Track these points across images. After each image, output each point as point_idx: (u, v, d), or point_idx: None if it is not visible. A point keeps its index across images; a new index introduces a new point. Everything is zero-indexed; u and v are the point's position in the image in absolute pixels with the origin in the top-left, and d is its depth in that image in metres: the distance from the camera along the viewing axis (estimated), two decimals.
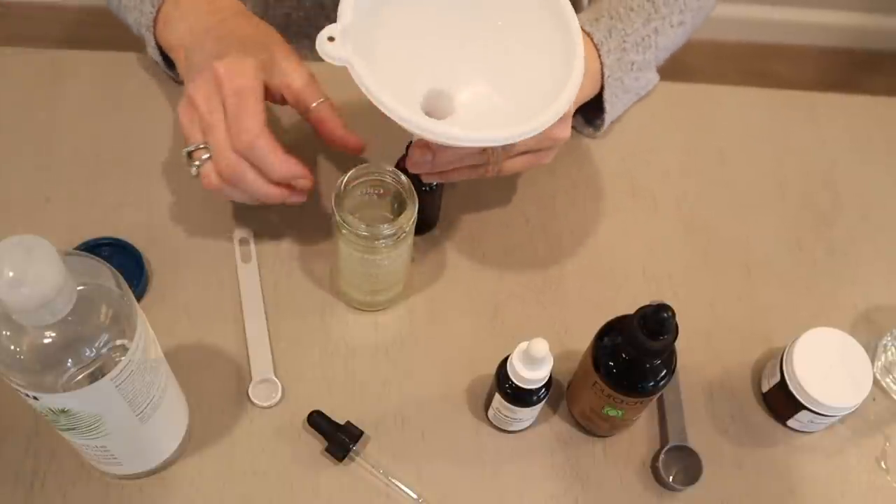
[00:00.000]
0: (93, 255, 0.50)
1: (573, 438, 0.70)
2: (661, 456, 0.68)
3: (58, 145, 0.79)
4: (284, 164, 0.64)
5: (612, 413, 0.65)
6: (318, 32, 0.58)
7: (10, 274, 0.42)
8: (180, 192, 0.77)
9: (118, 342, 0.49)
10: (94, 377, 0.49)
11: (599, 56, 0.76)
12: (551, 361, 0.62)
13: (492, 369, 0.66)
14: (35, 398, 0.49)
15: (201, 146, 0.65)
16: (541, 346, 0.60)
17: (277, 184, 0.66)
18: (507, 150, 0.67)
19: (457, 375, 0.71)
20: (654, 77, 0.85)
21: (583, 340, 0.66)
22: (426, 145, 0.64)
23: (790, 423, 0.71)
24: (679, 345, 0.61)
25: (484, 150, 0.66)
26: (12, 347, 0.46)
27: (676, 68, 0.90)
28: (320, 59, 0.58)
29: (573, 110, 0.72)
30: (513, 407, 0.65)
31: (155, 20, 0.73)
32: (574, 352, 0.70)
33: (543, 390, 0.64)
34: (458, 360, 0.72)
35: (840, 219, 0.83)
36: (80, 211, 0.75)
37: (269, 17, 0.89)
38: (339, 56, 0.57)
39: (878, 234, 0.83)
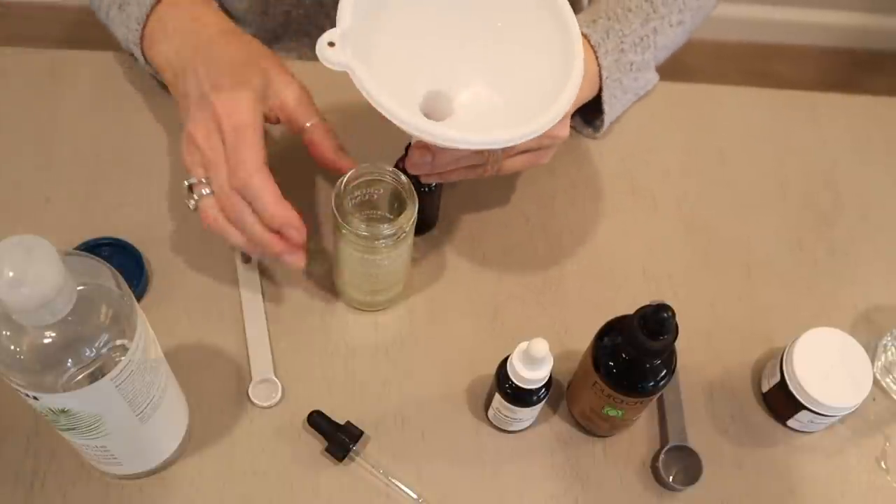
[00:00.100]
0: (93, 255, 0.50)
1: (573, 438, 0.70)
2: (661, 456, 0.68)
3: (58, 145, 0.79)
4: (278, 206, 0.62)
5: (612, 413, 0.65)
6: (317, 30, 0.58)
7: (10, 274, 0.42)
8: (180, 193, 0.77)
9: (118, 342, 0.49)
10: (94, 377, 0.49)
11: (597, 58, 0.76)
12: (551, 361, 0.62)
13: (492, 369, 0.66)
14: (35, 398, 0.49)
15: (202, 180, 0.65)
16: (541, 346, 0.60)
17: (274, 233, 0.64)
18: (507, 150, 0.67)
19: (457, 375, 0.71)
20: (653, 77, 0.85)
21: (583, 340, 0.66)
22: (425, 147, 0.64)
23: (790, 423, 0.71)
24: (679, 345, 0.61)
25: (483, 150, 0.66)
26: (12, 347, 0.46)
27: (677, 68, 0.90)
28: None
29: (572, 111, 0.72)
30: (513, 407, 0.65)
31: (141, 37, 0.73)
32: (574, 352, 0.70)
33: (543, 390, 0.64)
34: (458, 360, 0.72)
35: (840, 219, 0.83)
36: (80, 211, 0.75)
37: (269, 16, 0.89)
38: (340, 61, 0.57)
39: (878, 234, 0.83)
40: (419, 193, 0.70)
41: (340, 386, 0.70)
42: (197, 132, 0.64)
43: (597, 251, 0.79)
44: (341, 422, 0.67)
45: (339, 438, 0.66)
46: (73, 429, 0.53)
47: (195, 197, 0.65)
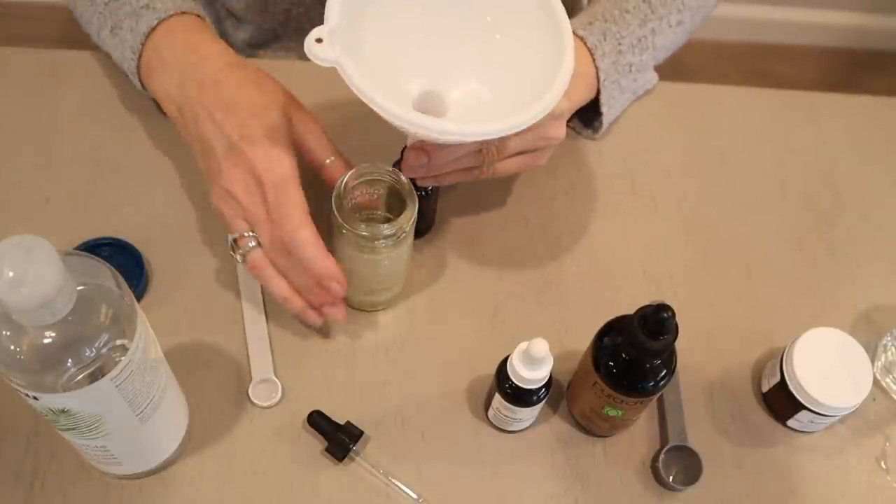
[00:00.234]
0: (93, 255, 0.50)
1: (573, 438, 0.70)
2: (661, 456, 0.68)
3: (58, 145, 0.79)
4: (323, 260, 0.63)
5: (612, 413, 0.65)
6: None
7: (10, 274, 0.42)
8: (180, 193, 0.77)
9: (118, 342, 0.49)
10: (94, 377, 0.49)
11: (594, 60, 0.76)
12: (551, 361, 0.62)
13: (492, 369, 0.66)
14: (35, 398, 0.49)
15: (245, 234, 0.65)
16: (541, 346, 0.60)
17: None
18: (502, 151, 0.67)
19: (457, 375, 0.71)
20: (652, 77, 0.85)
21: (583, 340, 0.66)
22: (421, 148, 0.64)
23: (790, 423, 0.71)
24: (679, 345, 0.61)
25: (479, 151, 0.66)
26: (12, 347, 0.46)
27: (677, 68, 0.90)
28: None
29: (569, 113, 0.72)
30: (513, 407, 0.65)
31: (138, 66, 0.71)
32: (574, 352, 0.70)
33: (543, 390, 0.64)
34: (458, 360, 0.72)
35: (840, 219, 0.83)
36: (80, 211, 0.75)
37: (269, 14, 0.89)
38: (328, 57, 0.57)
39: (878, 234, 0.83)
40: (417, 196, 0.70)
41: (340, 386, 0.70)
42: (235, 188, 0.63)
43: (597, 251, 0.79)
44: (341, 422, 0.67)
45: (339, 438, 0.66)
46: (73, 429, 0.54)
47: (242, 250, 0.65)
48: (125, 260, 0.71)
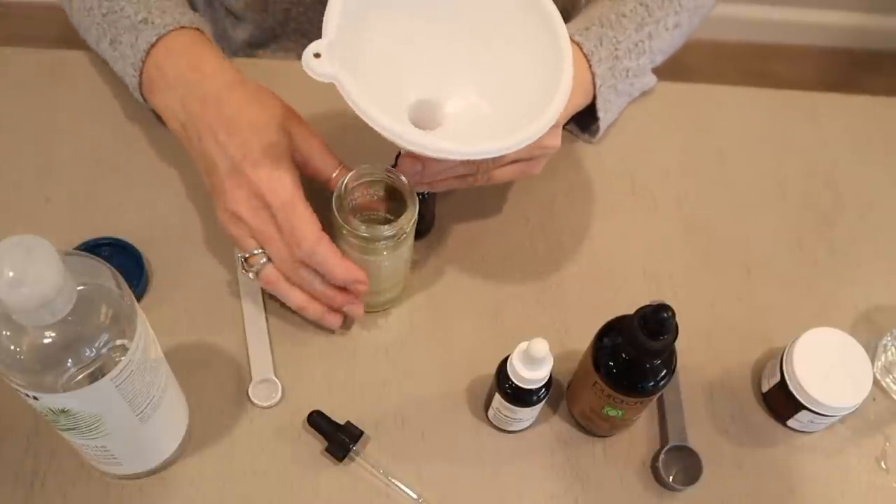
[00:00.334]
0: (93, 255, 0.50)
1: (573, 438, 0.70)
2: (661, 456, 0.68)
3: (58, 145, 0.79)
4: (343, 268, 0.64)
5: (612, 413, 0.65)
6: (317, 30, 0.58)
7: (10, 274, 0.42)
8: (180, 193, 0.77)
9: (118, 342, 0.49)
10: (94, 377, 0.49)
11: (590, 66, 0.76)
12: (551, 361, 0.62)
13: (492, 369, 0.66)
14: (35, 398, 0.49)
15: (256, 252, 0.65)
16: (541, 346, 0.60)
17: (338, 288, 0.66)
18: (497, 160, 0.67)
19: (457, 375, 0.71)
20: (650, 80, 0.85)
21: (583, 340, 0.66)
22: (415, 156, 0.64)
23: (790, 423, 0.71)
24: (679, 345, 0.61)
25: (474, 160, 0.66)
26: (12, 347, 0.46)
27: (676, 68, 0.90)
28: None
29: (564, 120, 0.72)
30: (513, 407, 0.65)
31: (139, 83, 0.72)
32: (574, 352, 0.70)
33: (543, 390, 0.64)
34: (458, 361, 0.72)
35: (840, 219, 0.83)
36: (80, 211, 0.75)
37: (269, 13, 0.89)
38: (326, 72, 0.57)
39: (878, 235, 0.83)
40: None
41: (340, 386, 0.70)
42: (240, 209, 0.64)
43: (597, 251, 0.79)
44: (341, 422, 0.67)
45: (339, 438, 0.66)
46: (73, 429, 0.53)
47: (254, 268, 0.66)
48: (125, 260, 0.71)
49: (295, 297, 0.67)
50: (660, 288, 0.77)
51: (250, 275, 0.67)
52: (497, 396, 0.65)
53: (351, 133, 0.72)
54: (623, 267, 0.78)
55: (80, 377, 0.48)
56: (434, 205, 0.76)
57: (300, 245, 0.63)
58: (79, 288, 0.46)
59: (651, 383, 0.62)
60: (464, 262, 0.77)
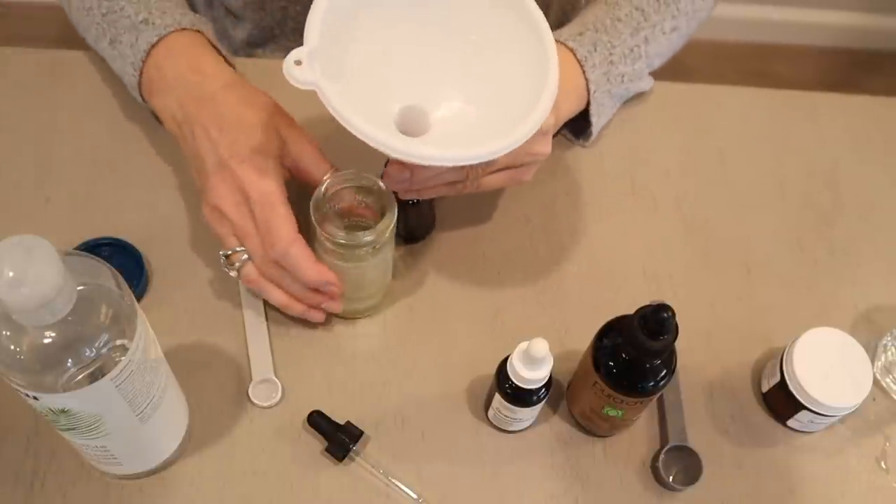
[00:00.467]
0: (93, 255, 0.50)
1: (573, 438, 0.70)
2: (661, 456, 0.68)
3: (58, 145, 0.79)
4: (315, 271, 0.64)
5: (612, 413, 0.65)
6: None
7: (10, 274, 0.42)
8: (180, 193, 0.77)
9: (118, 342, 0.49)
10: (94, 377, 0.49)
11: (584, 72, 0.75)
12: (551, 361, 0.62)
13: (492, 369, 0.66)
14: (35, 398, 0.49)
15: (238, 249, 0.65)
16: (541, 346, 0.60)
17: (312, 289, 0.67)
18: (486, 167, 0.67)
19: (457, 375, 0.71)
20: (645, 84, 0.84)
21: (583, 340, 0.66)
22: (403, 163, 0.63)
23: (790, 423, 0.71)
24: (679, 345, 0.61)
25: (463, 166, 0.66)
26: (12, 347, 0.46)
27: (675, 68, 0.89)
28: None
29: (556, 126, 0.71)
30: (513, 407, 0.65)
31: (139, 83, 0.72)
32: (574, 352, 0.70)
33: (543, 390, 0.64)
34: (458, 360, 0.72)
35: (840, 219, 0.83)
36: (80, 211, 0.75)
37: (267, 11, 0.89)
38: (307, 80, 0.56)
39: (878, 235, 0.83)
40: (406, 205, 0.70)
41: (340, 386, 0.70)
42: (223, 204, 0.64)
43: (597, 251, 0.79)
44: (341, 422, 0.67)
45: (339, 438, 0.66)
46: (73, 429, 0.53)
47: (236, 264, 0.66)
48: (125, 260, 0.71)
49: (276, 296, 0.67)
50: (660, 288, 0.77)
51: (232, 273, 0.66)
52: (497, 396, 0.65)
53: (348, 137, 0.71)
54: (623, 267, 0.78)
55: (80, 377, 0.48)
56: (434, 208, 0.76)
57: (274, 245, 0.63)
58: (79, 288, 0.46)
59: (651, 383, 0.62)
60: (464, 263, 0.77)
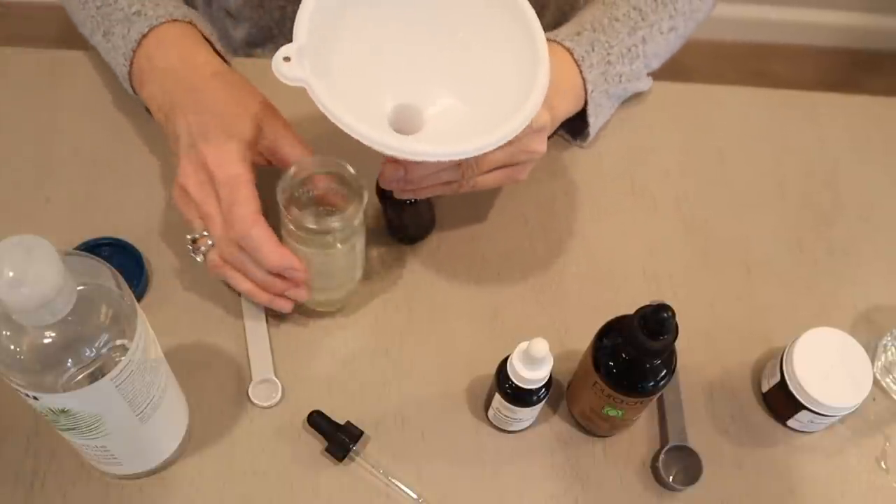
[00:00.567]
0: (93, 255, 0.50)
1: (573, 438, 0.70)
2: (661, 456, 0.68)
3: (58, 145, 0.79)
4: (277, 254, 0.63)
5: (612, 413, 0.65)
6: None
7: (10, 274, 0.42)
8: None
9: (118, 342, 0.49)
10: (94, 377, 0.49)
11: (581, 72, 0.75)
12: (551, 361, 0.62)
13: (492, 369, 0.66)
14: (35, 398, 0.49)
15: (204, 234, 0.65)
16: (541, 346, 0.60)
17: (275, 275, 0.65)
18: (482, 166, 0.67)
19: (457, 375, 0.71)
20: (643, 84, 0.84)
21: (583, 340, 0.66)
22: (397, 161, 0.63)
23: (790, 423, 0.71)
24: (679, 345, 0.61)
25: (458, 164, 0.66)
26: (12, 347, 0.46)
27: (674, 68, 0.89)
28: None
29: (553, 126, 0.71)
30: (513, 407, 0.65)
31: (129, 73, 0.72)
32: (574, 352, 0.70)
33: (543, 390, 0.64)
34: (457, 361, 0.72)
35: (840, 219, 0.83)
36: (80, 211, 0.75)
37: (265, 10, 0.89)
38: (296, 76, 0.56)
39: (878, 235, 0.83)
40: (403, 205, 0.70)
41: (340, 386, 0.70)
42: (188, 183, 0.64)
43: (596, 251, 0.79)
44: (341, 422, 0.67)
45: (339, 438, 0.66)
46: (73, 429, 0.53)
47: (202, 249, 0.65)
48: (125, 260, 0.71)
49: (241, 283, 0.66)
50: (660, 288, 0.77)
51: (198, 257, 0.66)
52: (497, 396, 0.65)
53: (342, 137, 0.71)
54: (623, 267, 0.78)
55: (80, 377, 0.48)
56: (432, 209, 0.76)
57: (234, 225, 0.62)
58: (79, 288, 0.46)
59: (651, 383, 0.62)
60: (463, 263, 0.77)
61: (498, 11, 0.64)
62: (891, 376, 0.74)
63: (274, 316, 0.72)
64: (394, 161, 0.64)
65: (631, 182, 0.83)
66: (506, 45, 0.64)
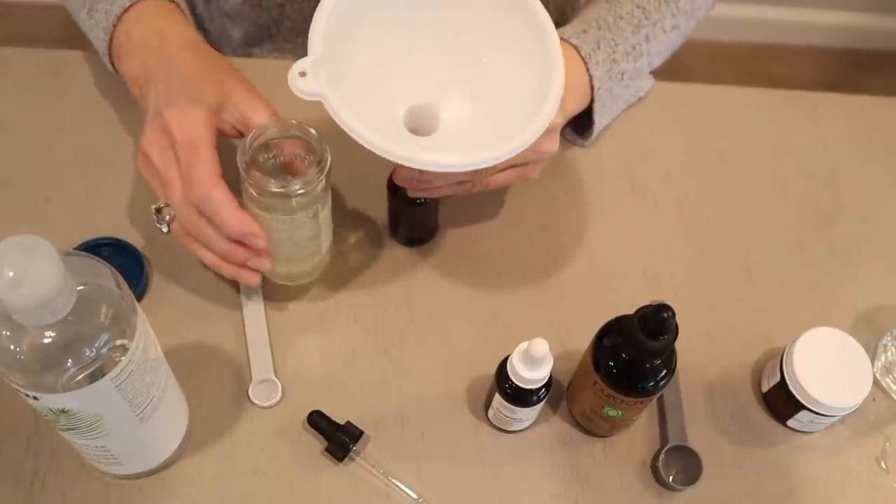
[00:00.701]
0: (93, 255, 0.50)
1: (573, 438, 0.70)
2: (661, 456, 0.68)
3: (58, 145, 0.79)
4: (236, 218, 0.61)
5: (612, 413, 0.65)
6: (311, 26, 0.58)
7: (10, 274, 0.42)
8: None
9: (118, 342, 0.49)
10: (94, 377, 0.49)
11: (588, 69, 0.75)
12: (551, 361, 0.62)
13: (492, 369, 0.66)
14: (35, 398, 0.49)
15: (168, 203, 0.64)
16: (541, 346, 0.60)
17: (236, 242, 0.64)
18: (494, 166, 0.67)
19: (457, 375, 0.71)
20: (646, 84, 0.84)
21: (583, 340, 0.66)
22: None
23: (790, 423, 0.71)
24: (679, 345, 0.61)
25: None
26: (12, 347, 0.46)
27: (674, 69, 0.89)
28: None
29: (562, 124, 0.72)
30: (513, 407, 0.65)
31: (109, 48, 0.71)
32: (574, 352, 0.70)
33: (543, 390, 0.64)
34: (457, 360, 0.72)
35: (840, 219, 0.83)
36: (80, 211, 0.75)
37: (264, 9, 0.89)
38: (312, 90, 0.56)
39: (878, 235, 0.83)
40: (413, 204, 0.70)
41: (340, 386, 0.70)
42: (150, 149, 0.63)
43: (597, 251, 0.79)
44: (341, 422, 0.67)
45: (339, 438, 0.66)
46: (73, 429, 0.53)
47: (166, 218, 0.64)
48: (125, 260, 0.71)
49: (204, 254, 0.65)
50: (660, 288, 0.77)
51: (163, 227, 0.65)
52: (497, 396, 0.65)
53: (348, 141, 0.72)
54: (623, 267, 0.78)
55: (80, 377, 0.48)
56: (437, 210, 0.76)
57: (193, 187, 0.61)
58: (79, 288, 0.46)
59: (651, 383, 0.62)
60: (464, 263, 0.77)
61: (511, 16, 0.64)
62: (891, 376, 0.74)
63: (274, 316, 0.72)
64: None
65: (631, 182, 0.83)
66: (519, 49, 0.64)
